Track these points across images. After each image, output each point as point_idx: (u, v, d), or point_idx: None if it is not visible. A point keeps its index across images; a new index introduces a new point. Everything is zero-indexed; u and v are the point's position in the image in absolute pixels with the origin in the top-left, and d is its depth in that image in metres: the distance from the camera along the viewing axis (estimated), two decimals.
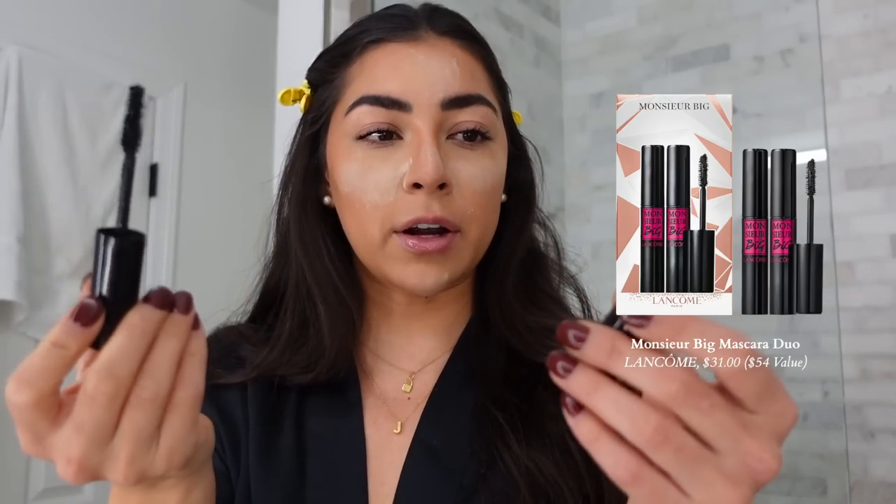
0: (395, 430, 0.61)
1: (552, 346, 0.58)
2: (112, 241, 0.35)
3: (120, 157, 0.37)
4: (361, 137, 0.59)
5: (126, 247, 0.35)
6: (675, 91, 2.09)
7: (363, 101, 0.59)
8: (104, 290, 0.35)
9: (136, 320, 0.35)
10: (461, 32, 0.62)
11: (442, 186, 0.56)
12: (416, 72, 0.59)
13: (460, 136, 0.59)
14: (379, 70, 0.60)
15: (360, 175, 0.58)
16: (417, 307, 0.65)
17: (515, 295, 0.64)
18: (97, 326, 0.35)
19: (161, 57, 2.27)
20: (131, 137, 0.37)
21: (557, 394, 0.56)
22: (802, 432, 1.80)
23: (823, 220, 1.74)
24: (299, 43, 1.36)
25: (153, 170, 2.23)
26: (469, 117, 0.59)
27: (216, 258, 2.31)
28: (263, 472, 0.60)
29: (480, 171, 0.59)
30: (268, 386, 0.63)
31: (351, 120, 0.59)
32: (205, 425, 0.43)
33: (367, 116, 0.59)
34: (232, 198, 2.36)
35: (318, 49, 1.31)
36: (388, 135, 0.58)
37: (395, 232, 0.57)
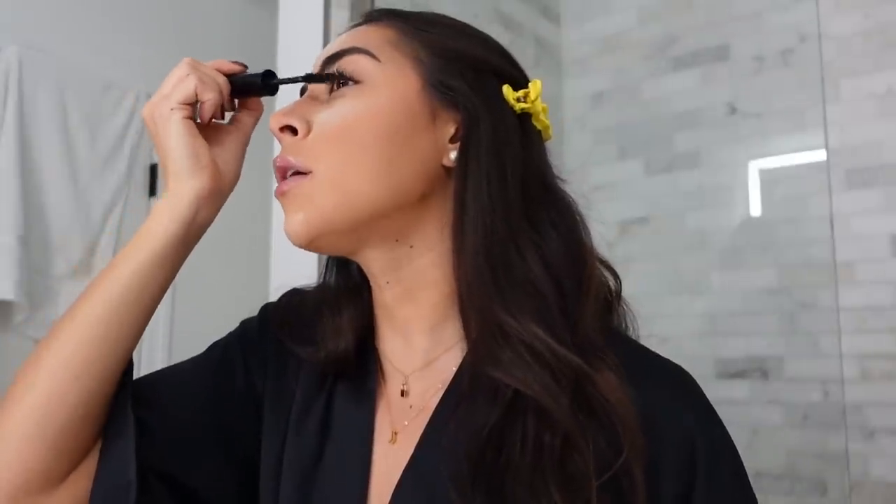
0: (388, 440, 0.60)
1: (506, 361, 0.53)
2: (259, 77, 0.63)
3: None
4: None
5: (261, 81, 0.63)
6: (675, 91, 2.10)
7: None
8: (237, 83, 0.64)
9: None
10: (374, 16, 0.64)
11: (294, 131, 0.59)
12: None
13: (334, 86, 0.60)
14: None
15: None
16: (387, 296, 0.62)
17: (476, 281, 0.56)
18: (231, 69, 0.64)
19: (161, 56, 2.25)
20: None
21: (537, 435, 0.54)
22: (802, 432, 1.81)
23: (823, 220, 1.74)
24: (299, 43, 1.36)
25: (153, 170, 2.22)
26: (337, 67, 0.60)
27: (216, 257, 2.31)
28: (294, 439, 0.63)
29: (336, 110, 0.58)
30: (318, 369, 0.65)
31: None
32: (208, 160, 0.66)
33: None
34: (231, 196, 2.36)
35: (318, 49, 1.31)
36: None
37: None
